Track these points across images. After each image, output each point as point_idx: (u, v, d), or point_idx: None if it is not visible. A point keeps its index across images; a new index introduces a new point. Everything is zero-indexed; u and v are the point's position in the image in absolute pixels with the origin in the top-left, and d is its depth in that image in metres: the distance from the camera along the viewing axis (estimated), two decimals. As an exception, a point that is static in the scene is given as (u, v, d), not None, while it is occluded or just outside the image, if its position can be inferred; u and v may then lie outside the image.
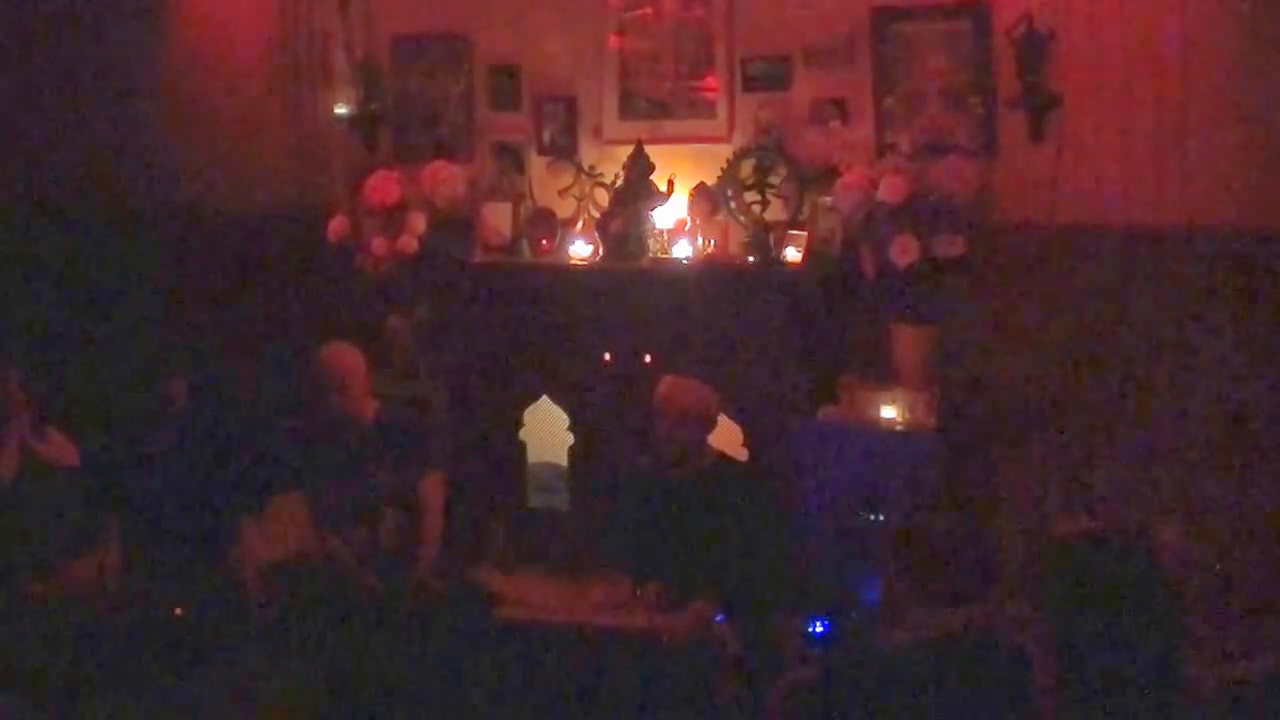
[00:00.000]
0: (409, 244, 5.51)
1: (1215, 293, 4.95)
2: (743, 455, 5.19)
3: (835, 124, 5.31)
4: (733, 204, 5.44)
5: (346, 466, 5.02)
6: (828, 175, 5.22)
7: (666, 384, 4.86)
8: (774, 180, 5.37)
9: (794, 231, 5.30)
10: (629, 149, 5.45)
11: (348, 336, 5.23)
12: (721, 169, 5.45)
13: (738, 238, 5.42)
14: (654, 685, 4.61)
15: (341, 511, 5.03)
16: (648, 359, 5.26)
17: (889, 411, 4.98)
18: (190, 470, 5.14)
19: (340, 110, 5.88)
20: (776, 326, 5.18)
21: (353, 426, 5.04)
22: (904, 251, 4.94)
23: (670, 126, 5.56)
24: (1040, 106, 5.06)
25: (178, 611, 4.83)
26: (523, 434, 5.59)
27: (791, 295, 5.19)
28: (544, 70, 5.74)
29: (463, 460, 5.46)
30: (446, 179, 5.59)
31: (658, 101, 5.59)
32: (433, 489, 5.08)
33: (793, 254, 5.25)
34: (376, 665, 4.72)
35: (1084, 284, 5.09)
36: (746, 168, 5.42)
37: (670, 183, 5.42)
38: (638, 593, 4.84)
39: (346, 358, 5.07)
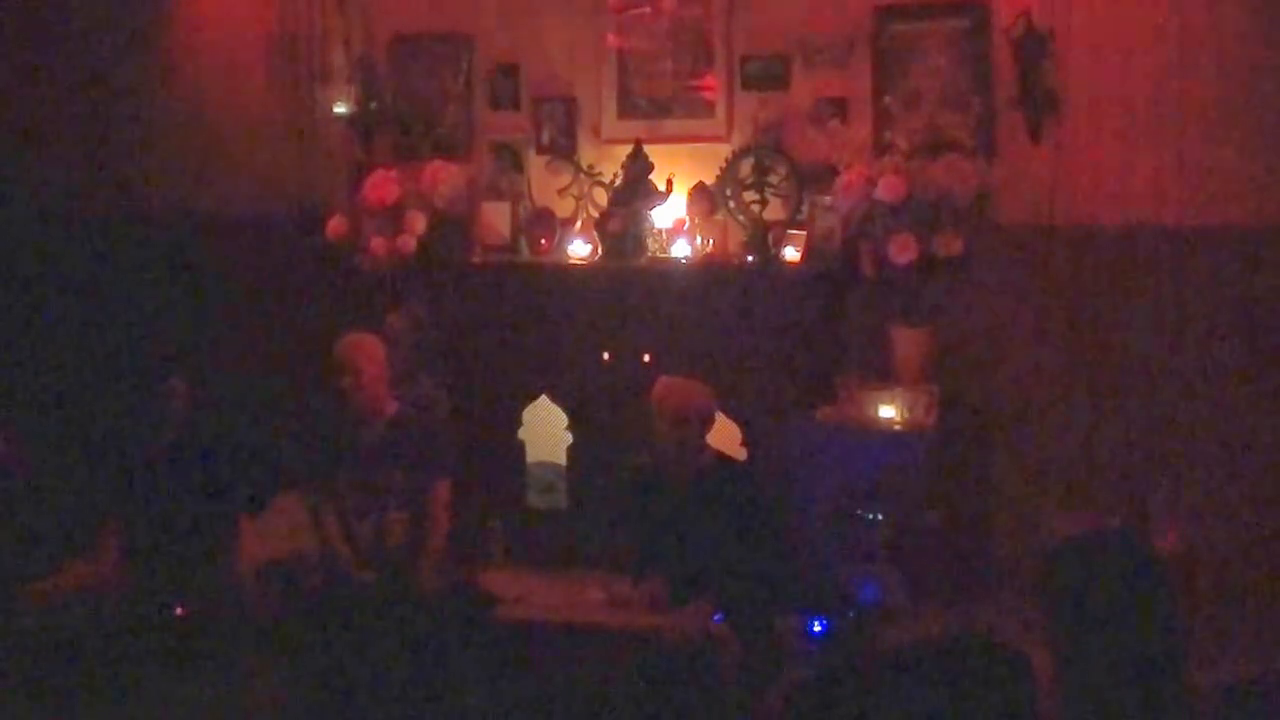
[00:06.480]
0: (408, 243, 5.50)
1: (1215, 292, 4.96)
2: (741, 455, 5.19)
3: (834, 123, 5.30)
4: (731, 203, 5.44)
5: (359, 461, 5.00)
6: (826, 174, 5.22)
7: (662, 384, 4.85)
8: (773, 180, 5.37)
9: (793, 231, 5.30)
10: (628, 148, 5.45)
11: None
12: (720, 168, 5.45)
13: (736, 237, 5.43)
14: (654, 685, 4.60)
15: (348, 507, 5.01)
16: (646, 359, 5.26)
17: (887, 411, 4.98)
18: (190, 470, 5.12)
19: (339, 109, 5.87)
20: (775, 326, 5.18)
21: (369, 421, 5.01)
22: (903, 251, 4.94)
23: (669, 126, 5.56)
24: (1039, 106, 5.05)
25: (178, 611, 4.82)
26: (522, 433, 5.58)
27: (790, 295, 5.19)
28: (543, 69, 5.74)
29: (462, 459, 5.45)
30: (445, 178, 5.58)
31: (657, 101, 5.59)
32: (441, 495, 5.02)
33: (791, 253, 5.25)
34: (375, 665, 4.72)
35: (1083, 284, 5.10)
36: (745, 167, 5.43)
37: (669, 182, 5.42)
38: (637, 592, 4.84)
39: (363, 345, 5.01)
